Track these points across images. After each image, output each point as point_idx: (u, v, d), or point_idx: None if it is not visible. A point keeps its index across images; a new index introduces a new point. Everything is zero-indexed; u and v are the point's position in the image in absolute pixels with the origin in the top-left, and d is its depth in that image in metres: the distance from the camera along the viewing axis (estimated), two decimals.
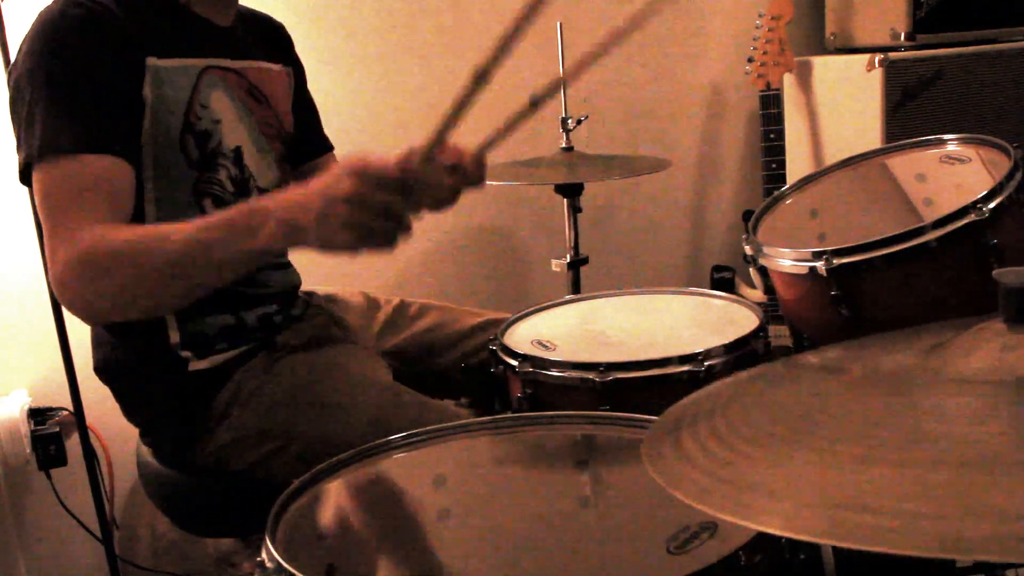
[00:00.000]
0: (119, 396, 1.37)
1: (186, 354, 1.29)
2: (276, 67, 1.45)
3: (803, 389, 0.93)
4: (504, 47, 0.93)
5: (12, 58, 1.54)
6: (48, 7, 1.20)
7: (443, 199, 1.10)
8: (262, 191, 1.37)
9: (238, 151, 1.33)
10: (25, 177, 1.19)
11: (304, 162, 1.54)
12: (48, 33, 1.18)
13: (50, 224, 1.14)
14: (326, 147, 1.60)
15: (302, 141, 1.52)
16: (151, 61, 1.23)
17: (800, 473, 0.70)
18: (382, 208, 1.00)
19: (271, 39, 1.49)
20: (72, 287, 1.11)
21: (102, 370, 1.36)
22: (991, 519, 0.56)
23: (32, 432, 1.87)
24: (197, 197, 1.28)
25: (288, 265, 1.44)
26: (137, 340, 1.31)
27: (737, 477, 0.71)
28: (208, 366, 1.30)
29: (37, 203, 1.16)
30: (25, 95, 1.17)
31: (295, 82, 1.52)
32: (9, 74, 1.22)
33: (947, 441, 0.70)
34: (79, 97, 1.16)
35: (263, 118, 1.39)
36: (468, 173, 1.10)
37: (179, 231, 1.09)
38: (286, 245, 1.14)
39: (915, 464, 0.66)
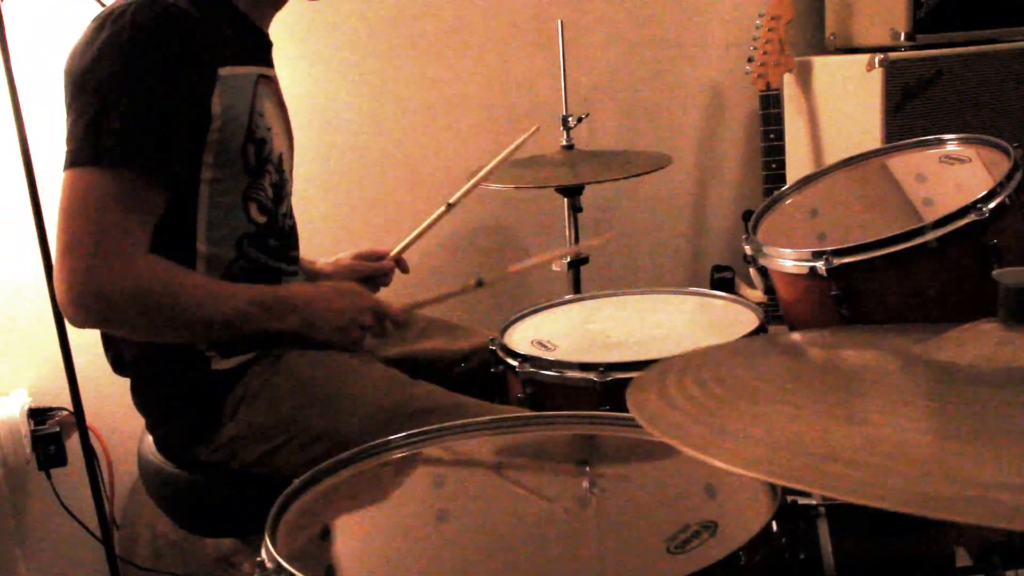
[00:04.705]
0: (135, 385, 1.37)
1: (210, 353, 1.30)
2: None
3: (791, 354, 0.94)
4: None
5: (11, 57, 1.54)
6: (135, 6, 1.16)
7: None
8: (288, 196, 1.40)
9: (280, 157, 1.36)
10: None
11: None
12: (135, 36, 1.15)
13: (93, 233, 1.13)
14: None
15: None
16: (223, 71, 1.23)
17: (777, 424, 0.72)
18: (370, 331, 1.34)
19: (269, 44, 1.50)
20: (120, 313, 1.16)
21: (118, 361, 1.36)
22: (960, 483, 0.58)
23: (32, 432, 1.87)
24: (245, 202, 1.29)
25: (299, 272, 1.45)
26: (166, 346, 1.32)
27: (717, 422, 0.74)
28: (229, 366, 1.30)
29: (71, 201, 1.14)
30: (104, 94, 1.15)
31: None
32: (72, 66, 1.18)
33: (924, 411, 0.72)
34: (159, 115, 1.16)
35: (287, 125, 1.42)
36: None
37: (232, 298, 1.23)
38: (296, 333, 1.29)
39: (892, 428, 0.68)
